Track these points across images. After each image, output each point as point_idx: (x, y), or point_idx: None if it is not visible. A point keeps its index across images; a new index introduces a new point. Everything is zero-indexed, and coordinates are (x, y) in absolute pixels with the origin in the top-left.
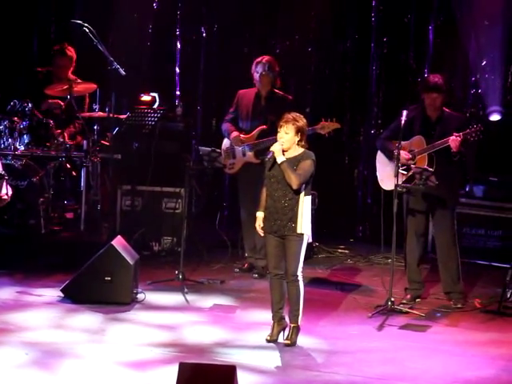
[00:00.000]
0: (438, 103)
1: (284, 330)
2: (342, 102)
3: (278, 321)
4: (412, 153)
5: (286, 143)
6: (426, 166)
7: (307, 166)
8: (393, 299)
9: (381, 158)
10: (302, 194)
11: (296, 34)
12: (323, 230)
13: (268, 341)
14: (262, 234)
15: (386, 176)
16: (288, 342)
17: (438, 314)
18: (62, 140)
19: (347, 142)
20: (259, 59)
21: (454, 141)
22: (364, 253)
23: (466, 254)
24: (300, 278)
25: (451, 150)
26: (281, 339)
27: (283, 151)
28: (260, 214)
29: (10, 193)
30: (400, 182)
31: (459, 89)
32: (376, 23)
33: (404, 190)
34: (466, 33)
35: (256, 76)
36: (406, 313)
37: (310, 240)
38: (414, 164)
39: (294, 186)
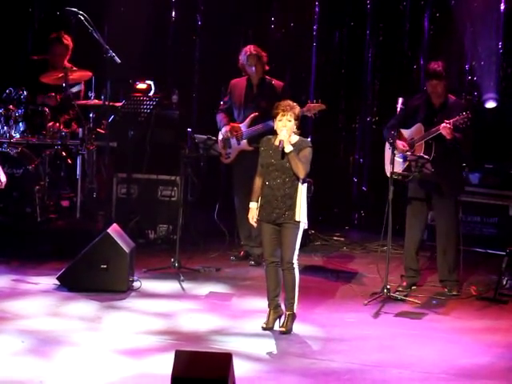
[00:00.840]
0: (440, 90)
1: (280, 317)
2: (338, 89)
3: (274, 308)
4: (412, 141)
5: (289, 131)
6: (421, 154)
7: (307, 153)
8: (388, 286)
9: (387, 147)
10: (300, 182)
11: (291, 22)
12: (319, 217)
13: (264, 328)
14: (255, 225)
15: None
16: (283, 329)
17: (434, 302)
18: (57, 128)
19: (343, 129)
20: (246, 51)
21: (444, 128)
22: (360, 240)
23: (461, 241)
24: (296, 265)
25: (445, 138)
26: (277, 327)
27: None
28: (253, 205)
29: (3, 179)
30: (401, 170)
31: (454, 76)
32: (371, 11)
33: (399, 177)
34: (461, 20)
35: (248, 68)
36: (402, 300)
37: (306, 227)
38: (412, 152)
39: (301, 175)
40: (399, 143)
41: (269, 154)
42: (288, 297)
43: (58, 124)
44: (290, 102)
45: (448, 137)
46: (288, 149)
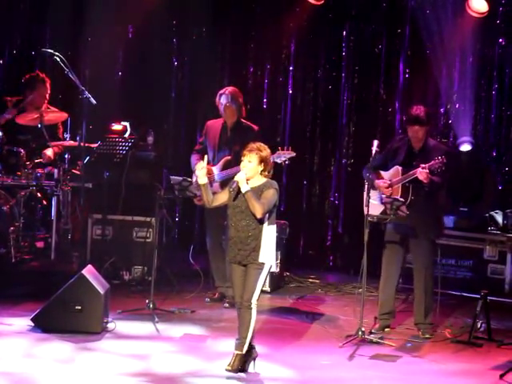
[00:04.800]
0: (421, 135)
1: (254, 359)
2: (314, 131)
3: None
4: (390, 183)
5: (249, 172)
6: (397, 197)
7: (270, 195)
8: (363, 329)
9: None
10: (266, 224)
11: (267, 64)
12: (294, 259)
13: (228, 370)
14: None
15: (372, 204)
16: (229, 368)
17: (409, 345)
18: (31, 169)
19: (318, 171)
20: (222, 91)
21: (421, 173)
22: (335, 282)
23: (436, 283)
24: (254, 306)
25: (422, 182)
26: (251, 369)
27: (246, 180)
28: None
29: None
30: (379, 213)
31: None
32: (347, 53)
33: (375, 219)
34: (437, 63)
35: (221, 107)
36: (377, 343)
37: (274, 269)
38: (391, 194)
39: (258, 215)
40: (381, 182)
41: (235, 195)
42: (240, 336)
43: (31, 166)
44: (259, 145)
45: (425, 181)
46: (244, 189)
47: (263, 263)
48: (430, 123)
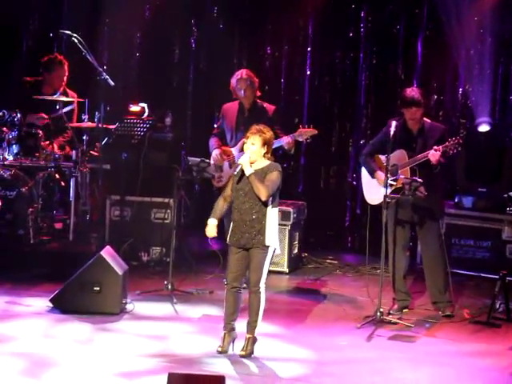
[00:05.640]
0: (419, 116)
1: (234, 341)
2: (332, 112)
3: (229, 331)
4: (394, 167)
5: (253, 155)
6: (415, 177)
7: (274, 177)
8: (382, 310)
9: (365, 174)
10: (270, 206)
11: (285, 45)
12: (312, 240)
13: (219, 352)
14: (210, 237)
15: (372, 191)
16: (243, 353)
17: (427, 325)
18: (50, 150)
19: (336, 152)
20: (237, 74)
21: (433, 155)
22: (353, 263)
23: (455, 264)
24: (262, 289)
25: (431, 163)
26: (231, 350)
27: (250, 163)
28: (211, 221)
29: None
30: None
31: (448, 100)
32: (365, 34)
33: (393, 200)
34: (455, 44)
35: (237, 90)
36: (395, 323)
37: (278, 251)
38: (394, 179)
39: (263, 198)
40: (382, 175)
41: (239, 179)
42: (251, 320)
43: (51, 146)
44: (262, 127)
45: (435, 163)
46: (248, 172)
47: (268, 246)
48: (425, 104)
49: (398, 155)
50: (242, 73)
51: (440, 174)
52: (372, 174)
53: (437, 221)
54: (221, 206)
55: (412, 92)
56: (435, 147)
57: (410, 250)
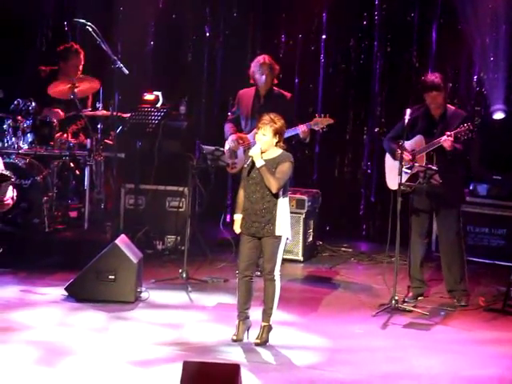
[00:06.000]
0: (440, 101)
1: (248, 329)
2: (346, 100)
3: (243, 320)
4: (413, 152)
5: (264, 145)
6: (430, 165)
7: (286, 168)
8: (397, 298)
9: (388, 159)
10: (281, 197)
11: (299, 34)
12: (326, 228)
13: (234, 340)
14: (238, 233)
15: (392, 177)
16: (258, 341)
17: (442, 313)
18: (65, 139)
19: (351, 140)
20: (259, 59)
21: (445, 141)
22: (367, 251)
23: (469, 252)
24: (277, 277)
25: (446, 149)
26: (245, 338)
27: (261, 153)
28: (237, 217)
29: (14, 196)
30: (403, 181)
31: (463, 87)
32: (379, 22)
33: (408, 188)
34: (470, 31)
35: (256, 76)
36: (410, 311)
37: (290, 241)
38: (413, 164)
39: (274, 190)
40: (404, 154)
41: (250, 168)
42: (266, 307)
43: (66, 135)
44: (272, 117)
45: (449, 148)
46: (259, 163)
47: (280, 236)
48: (446, 88)
49: (417, 141)
50: (265, 58)
51: (458, 161)
52: (393, 154)
53: (455, 208)
54: (242, 198)
55: (432, 76)
56: (447, 133)
57: (427, 237)
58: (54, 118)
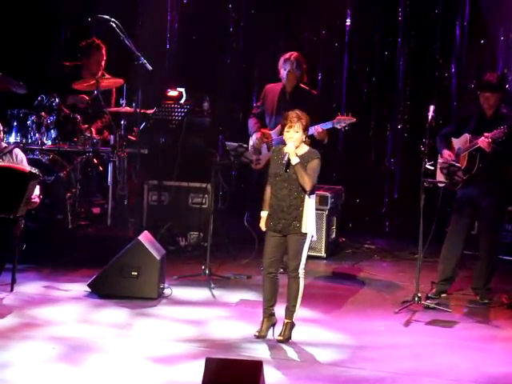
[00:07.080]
0: (492, 102)
1: (273, 326)
2: (369, 97)
3: (268, 317)
4: (458, 151)
5: (297, 142)
6: (453, 162)
7: (315, 165)
8: (420, 295)
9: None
10: (308, 193)
11: (323, 30)
12: (349, 225)
13: (257, 337)
14: (264, 230)
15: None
16: (281, 338)
17: (465, 310)
18: (88, 135)
19: (374, 137)
20: (287, 56)
21: (482, 142)
22: (390, 248)
23: (500, 250)
24: (301, 275)
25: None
26: (270, 335)
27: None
28: (264, 214)
29: (40, 194)
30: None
31: None
32: (403, 18)
33: (431, 185)
34: (494, 27)
35: (283, 72)
36: (433, 308)
37: (315, 238)
38: (456, 162)
39: (308, 188)
40: (446, 153)
41: (277, 163)
42: (289, 305)
43: (89, 131)
44: (299, 113)
45: (487, 150)
46: (294, 161)
47: (306, 233)
48: (502, 90)
49: (462, 139)
50: (291, 54)
51: (504, 162)
52: (439, 152)
53: (497, 207)
54: (269, 194)
55: (490, 77)
56: (485, 134)
57: (467, 239)
58: (80, 105)
